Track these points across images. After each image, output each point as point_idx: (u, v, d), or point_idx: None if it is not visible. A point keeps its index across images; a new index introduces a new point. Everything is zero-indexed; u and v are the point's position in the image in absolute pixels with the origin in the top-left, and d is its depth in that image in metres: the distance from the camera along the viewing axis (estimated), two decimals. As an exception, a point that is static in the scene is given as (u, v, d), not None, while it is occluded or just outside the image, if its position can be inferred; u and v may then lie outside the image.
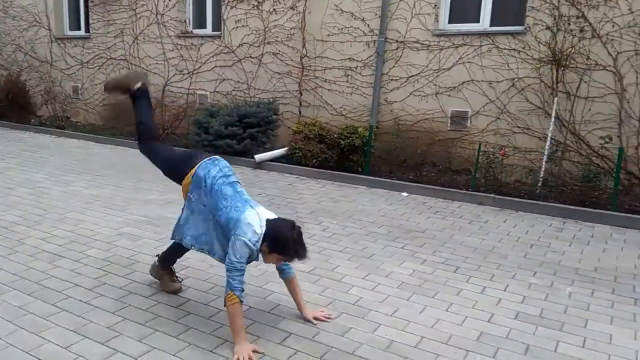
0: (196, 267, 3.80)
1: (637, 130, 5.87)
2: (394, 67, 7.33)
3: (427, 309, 3.24)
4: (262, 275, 3.63)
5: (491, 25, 6.73)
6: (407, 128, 7.20)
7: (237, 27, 8.75)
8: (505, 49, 6.51)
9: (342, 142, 6.76)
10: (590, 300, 3.41)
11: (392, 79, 7.37)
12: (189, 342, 2.77)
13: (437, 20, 7.01)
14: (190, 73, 9.45)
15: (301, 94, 8.23)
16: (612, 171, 5.62)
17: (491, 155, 6.19)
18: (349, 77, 7.73)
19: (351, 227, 4.83)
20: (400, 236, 4.63)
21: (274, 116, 7.86)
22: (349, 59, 7.70)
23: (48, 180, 6.27)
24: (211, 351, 2.68)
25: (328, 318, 3.05)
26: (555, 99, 6.08)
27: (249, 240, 2.61)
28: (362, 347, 2.78)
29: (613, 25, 5.86)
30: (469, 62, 6.77)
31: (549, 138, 6.05)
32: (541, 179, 5.98)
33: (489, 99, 6.67)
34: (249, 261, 2.71)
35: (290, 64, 8.27)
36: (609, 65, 5.93)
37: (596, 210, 5.27)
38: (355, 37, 7.60)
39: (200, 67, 9.32)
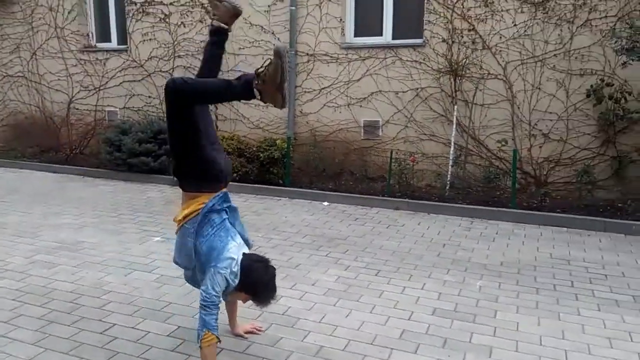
0: (119, 290, 3.71)
1: (529, 133, 6.49)
2: (306, 79, 7.53)
3: (353, 313, 3.40)
4: (189, 294, 3.61)
5: (393, 38, 7.14)
6: (324, 138, 7.42)
7: (145, 40, 8.56)
8: (407, 60, 6.93)
9: (262, 155, 6.83)
10: (499, 293, 3.75)
11: (305, 91, 7.56)
12: (118, 368, 2.72)
13: (344, 34, 7.31)
14: (97, 89, 9.08)
15: (217, 107, 8.19)
16: (510, 172, 6.16)
17: (403, 162, 6.54)
18: (264, 90, 7.80)
19: (276, 239, 4.91)
20: (323, 245, 4.78)
21: (189, 131, 7.76)
22: (262, 72, 7.78)
23: (-58, 210, 5.77)
24: (142, 375, 2.66)
25: (259, 330, 3.11)
26: (455, 106, 6.58)
27: (229, 277, 2.50)
28: (293, 355, 2.88)
29: (500, 37, 6.45)
30: (375, 73, 7.12)
31: (452, 143, 6.52)
32: (449, 182, 6.42)
33: (397, 109, 7.06)
34: None
35: (203, 78, 8.20)
36: (500, 74, 6.51)
37: (498, 209, 5.75)
38: (266, 50, 7.71)
39: (107, 82, 8.99)
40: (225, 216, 2.65)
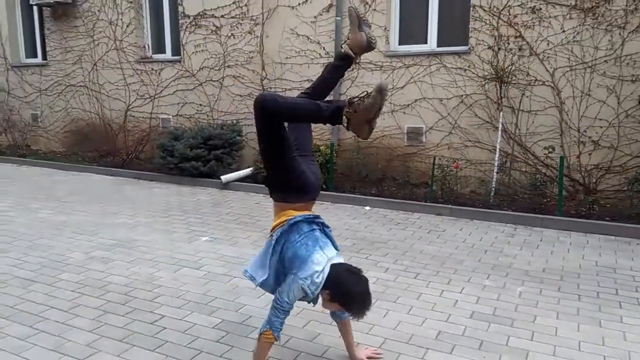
0: (169, 285, 3.93)
1: (578, 140, 6.35)
2: (350, 87, 7.65)
3: (390, 313, 3.47)
4: (233, 290, 3.77)
5: (438, 46, 7.17)
6: (367, 145, 7.50)
7: (197, 51, 8.94)
8: (452, 67, 6.94)
9: (305, 160, 6.99)
10: (539, 298, 3.72)
11: (350, 99, 7.67)
12: (166, 354, 2.92)
13: (388, 42, 7.39)
14: (152, 97, 9.54)
15: (262, 115, 8.44)
16: (557, 179, 6.04)
17: (446, 169, 6.54)
18: (309, 97, 7.99)
19: (317, 241, 5.03)
20: (364, 247, 4.87)
21: (238, 137, 8.06)
22: (307, 80, 7.97)
23: (13, 209, 6.25)
24: (188, 362, 2.83)
25: (378, 355, 2.97)
26: (501, 113, 6.53)
27: (308, 287, 2.47)
28: (330, 350, 2.99)
29: (548, 44, 6.36)
30: (420, 80, 7.16)
31: (497, 150, 6.47)
32: (493, 189, 6.36)
33: (441, 115, 7.06)
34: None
35: (251, 86, 8.51)
36: (548, 81, 6.42)
37: (544, 216, 5.65)
38: (312, 59, 7.91)
39: (161, 91, 9.44)
40: (315, 227, 2.63)
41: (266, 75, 8.33)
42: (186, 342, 3.07)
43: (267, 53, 8.26)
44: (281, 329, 2.55)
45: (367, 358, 2.90)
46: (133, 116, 9.79)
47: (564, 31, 6.28)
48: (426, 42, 7.24)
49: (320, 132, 7.94)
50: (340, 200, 6.71)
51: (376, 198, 6.59)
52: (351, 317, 2.62)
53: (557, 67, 6.36)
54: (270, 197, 2.73)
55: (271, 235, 2.64)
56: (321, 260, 2.49)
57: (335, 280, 2.47)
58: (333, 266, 2.52)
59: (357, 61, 2.92)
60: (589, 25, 6.17)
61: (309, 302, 2.64)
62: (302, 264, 2.48)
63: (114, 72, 9.90)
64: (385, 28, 7.33)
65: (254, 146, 8.26)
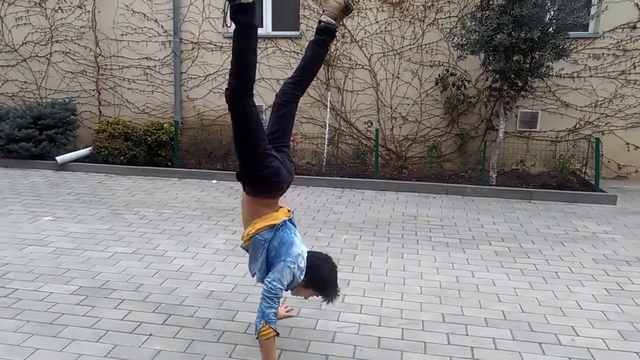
0: (16, 262, 3.95)
1: (391, 115, 7.50)
2: (191, 66, 7.89)
3: (239, 265, 3.99)
4: (87, 261, 3.95)
5: (273, 30, 7.77)
6: (211, 123, 7.85)
7: (18, 24, 8.32)
8: (286, 51, 7.61)
9: (149, 138, 7.10)
10: (359, 242, 4.57)
11: (191, 77, 7.93)
12: (27, 319, 3.09)
13: (227, 25, 7.75)
14: (-36, 74, 8.63)
15: (99, 93, 8.25)
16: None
17: (284, 142, 7.21)
18: (149, 75, 8.05)
19: (167, 213, 5.33)
20: (213, 215, 5.30)
21: (72, 116, 7.77)
22: (146, 58, 8.01)
23: None
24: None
25: (291, 309, 3.27)
26: (329, 93, 7.40)
27: (296, 271, 2.54)
28: (187, 299, 3.41)
29: (365, 32, 7.36)
30: (258, 62, 7.65)
31: (327, 125, 7.34)
32: (325, 160, 7.23)
33: (278, 94, 7.70)
34: None
35: (83, 63, 8.23)
36: (366, 65, 7.44)
37: (365, 180, 6.67)
38: (150, 37, 7.94)
39: (-24, 67, 8.59)
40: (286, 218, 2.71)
41: (100, 52, 8.13)
42: (45, 308, 3.23)
43: (100, 29, 8.06)
44: (276, 321, 2.49)
45: (286, 312, 3.20)
46: (-59, 94, 8.74)
47: (377, 22, 7.32)
48: (262, 26, 7.77)
49: (163, 111, 8.07)
50: (186, 175, 7.00)
51: (222, 172, 7.01)
52: (323, 301, 2.70)
53: (373, 53, 7.40)
54: (244, 190, 2.72)
55: (255, 236, 2.64)
56: (298, 244, 2.62)
57: (313, 268, 2.61)
58: (310, 254, 2.66)
59: (338, 28, 2.82)
60: (397, 17, 7.28)
61: (287, 289, 2.63)
62: (288, 249, 2.55)
63: None
64: (223, 10, 7.65)
65: (89, 126, 8.07)
